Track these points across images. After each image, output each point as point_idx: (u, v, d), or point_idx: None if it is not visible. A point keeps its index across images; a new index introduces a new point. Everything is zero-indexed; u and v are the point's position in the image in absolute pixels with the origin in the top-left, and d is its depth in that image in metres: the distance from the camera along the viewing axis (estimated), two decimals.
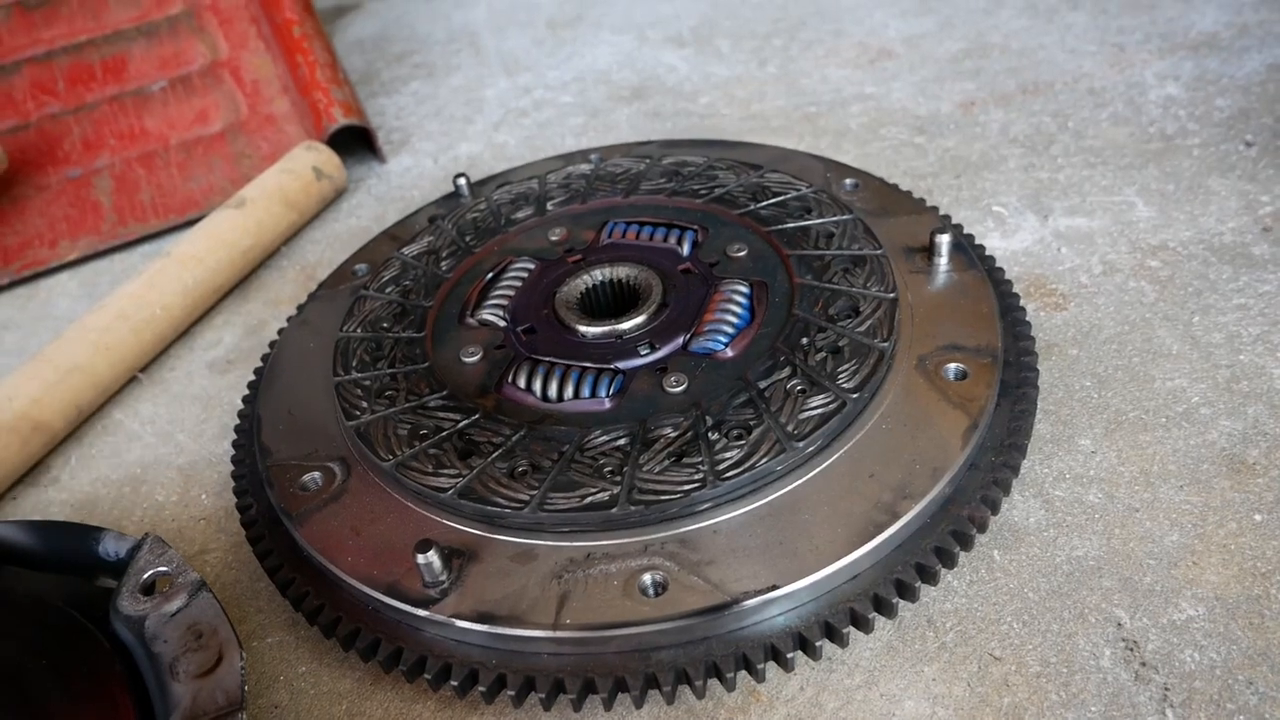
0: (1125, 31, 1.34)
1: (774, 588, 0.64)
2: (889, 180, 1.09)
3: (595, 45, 1.56)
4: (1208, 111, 1.15)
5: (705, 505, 0.69)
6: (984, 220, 1.05)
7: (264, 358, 0.96)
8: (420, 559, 0.67)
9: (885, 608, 0.66)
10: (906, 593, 0.67)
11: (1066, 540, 0.73)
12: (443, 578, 0.68)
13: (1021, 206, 1.06)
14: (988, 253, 0.94)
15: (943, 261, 0.88)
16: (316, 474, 0.79)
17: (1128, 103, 1.19)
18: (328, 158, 1.24)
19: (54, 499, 0.92)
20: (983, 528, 0.70)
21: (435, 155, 1.35)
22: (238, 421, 0.90)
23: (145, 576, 0.70)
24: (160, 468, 0.93)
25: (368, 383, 0.83)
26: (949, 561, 0.68)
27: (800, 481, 0.71)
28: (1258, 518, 0.73)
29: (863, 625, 0.66)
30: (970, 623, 0.70)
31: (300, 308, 1.01)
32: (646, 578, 0.66)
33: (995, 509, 0.71)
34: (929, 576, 0.67)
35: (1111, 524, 0.74)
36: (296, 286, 1.14)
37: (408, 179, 1.31)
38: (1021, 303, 0.87)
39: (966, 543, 0.69)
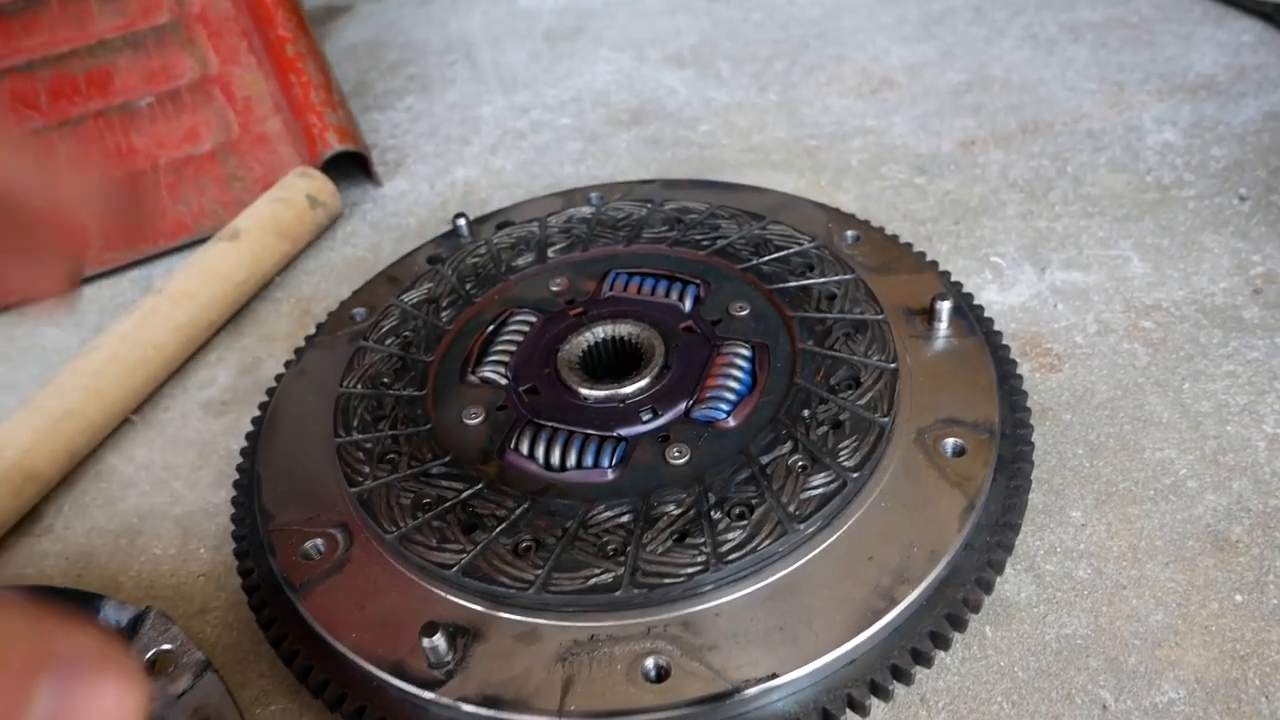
0: (1125, 69, 1.34)
1: (774, 676, 0.66)
2: (889, 227, 1.10)
3: (594, 62, 1.55)
4: (1204, 161, 1.16)
5: (708, 587, 0.70)
6: (982, 271, 1.06)
7: (261, 406, 0.95)
8: (426, 642, 0.68)
9: (881, 692, 0.67)
10: (902, 677, 0.68)
11: (1056, 617, 0.75)
12: (448, 658, 0.69)
13: (1019, 257, 1.07)
14: (984, 308, 0.95)
15: (942, 327, 0.89)
16: (319, 540, 0.79)
17: (1126, 147, 1.20)
18: (322, 185, 1.23)
19: (48, 550, 0.92)
20: (976, 609, 0.71)
21: (431, 180, 1.34)
22: (235, 473, 0.90)
23: (149, 655, 0.70)
24: (156, 518, 0.93)
25: (369, 445, 0.83)
26: (943, 644, 0.70)
27: (801, 563, 0.72)
28: (1238, 598, 0.74)
29: (859, 710, 0.67)
30: (962, 701, 0.72)
31: (298, 352, 1.01)
32: (649, 662, 0.68)
33: (989, 589, 0.73)
34: (924, 660, 0.69)
35: (1100, 601, 0.76)
36: (292, 321, 1.14)
37: (403, 205, 1.30)
38: (1018, 368, 0.88)
39: (961, 625, 0.70)
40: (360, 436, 0.85)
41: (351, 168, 1.35)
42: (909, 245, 1.01)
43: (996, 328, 0.93)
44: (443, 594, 0.74)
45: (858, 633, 0.68)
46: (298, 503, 0.83)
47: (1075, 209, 1.12)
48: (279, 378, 0.98)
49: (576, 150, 1.35)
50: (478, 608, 0.73)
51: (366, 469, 0.81)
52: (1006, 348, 0.90)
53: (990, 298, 1.02)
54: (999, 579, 0.76)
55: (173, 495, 0.96)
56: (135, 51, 1.41)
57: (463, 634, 0.71)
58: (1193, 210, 1.09)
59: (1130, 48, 1.39)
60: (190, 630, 0.84)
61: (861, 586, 0.70)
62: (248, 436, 0.93)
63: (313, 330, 1.04)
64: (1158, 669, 0.71)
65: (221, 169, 1.33)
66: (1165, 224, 1.08)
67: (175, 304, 1.08)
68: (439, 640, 0.68)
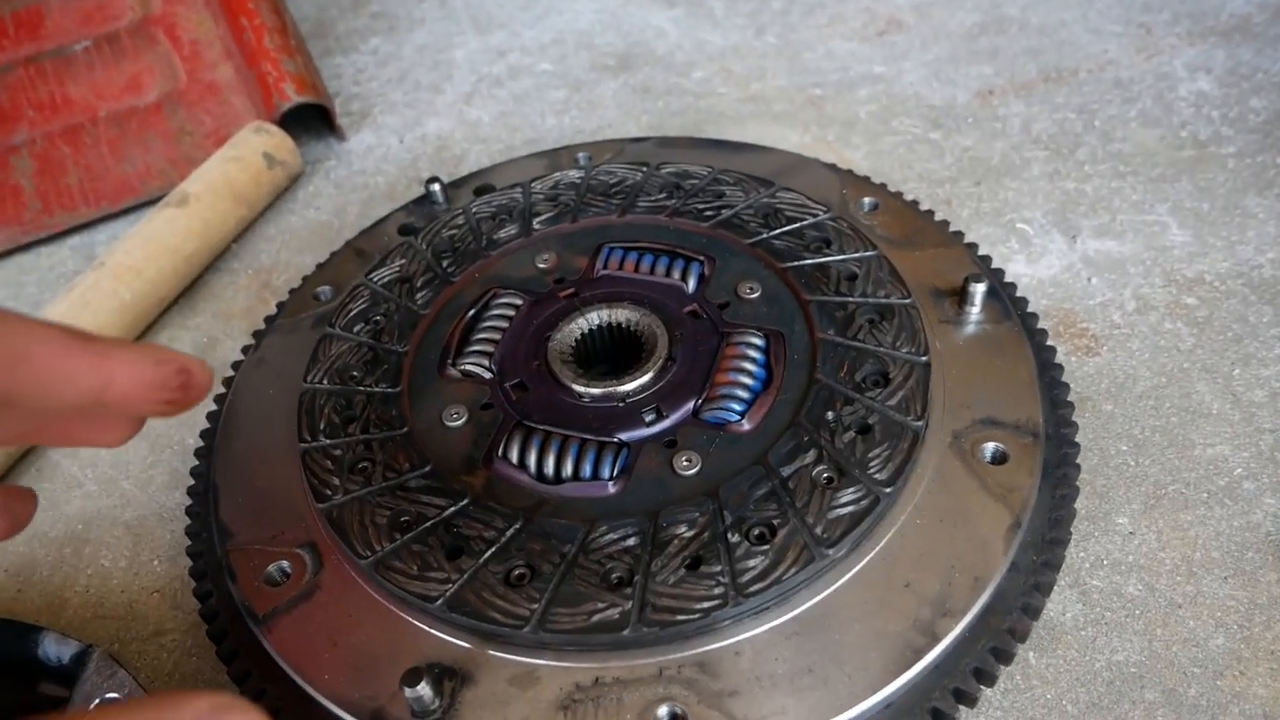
0: (1152, 8, 1.24)
1: None
2: (904, 189, 1.00)
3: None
4: (1242, 114, 1.07)
5: (726, 622, 0.62)
6: (1007, 239, 0.97)
7: (218, 398, 0.86)
8: (409, 692, 0.60)
9: None
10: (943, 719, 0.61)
11: (1106, 641, 0.68)
12: (434, 706, 0.61)
13: (1047, 224, 0.98)
14: (1013, 281, 0.86)
15: (975, 311, 0.80)
16: (284, 562, 0.71)
17: (1157, 98, 1.10)
18: (280, 141, 1.12)
19: None
20: (1024, 639, 0.64)
21: (400, 133, 1.22)
22: (190, 474, 0.81)
23: (93, 704, 0.62)
24: (105, 524, 0.84)
25: (338, 452, 0.74)
26: (989, 681, 0.62)
27: (830, 591, 0.64)
28: None
29: None
30: None
31: (257, 336, 0.90)
32: (663, 710, 0.60)
33: (1037, 616, 0.65)
34: (967, 700, 0.62)
35: (1153, 622, 0.69)
36: (250, 295, 1.03)
37: (370, 161, 1.19)
38: (1056, 356, 0.80)
39: (1007, 659, 0.63)
40: (328, 442, 0.75)
41: (313, 119, 1.23)
42: (931, 213, 0.92)
43: (1030, 308, 0.84)
44: (426, 628, 0.66)
45: (897, 675, 0.60)
46: (259, 518, 0.74)
47: (1105, 168, 1.03)
48: (236, 365, 0.89)
49: (559, 100, 1.24)
50: (466, 645, 0.64)
51: (336, 481, 0.72)
52: (1043, 332, 0.81)
53: (1018, 270, 0.94)
54: None
55: (122, 497, 0.87)
56: None
57: (450, 676, 0.63)
58: (1233, 170, 1.01)
59: None
60: (145, 656, 0.76)
61: (899, 619, 0.63)
62: (203, 434, 0.84)
63: (273, 308, 0.94)
64: (1221, 702, 0.64)
65: (168, 122, 1.20)
66: (1204, 185, 0.99)
67: (119, 280, 0.97)
68: (424, 689, 0.60)
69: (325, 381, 0.80)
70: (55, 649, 0.68)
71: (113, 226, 1.16)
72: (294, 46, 1.21)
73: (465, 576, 0.65)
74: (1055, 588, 0.71)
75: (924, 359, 0.74)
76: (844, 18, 1.30)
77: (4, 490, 0.58)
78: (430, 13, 1.45)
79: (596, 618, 0.62)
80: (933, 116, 1.13)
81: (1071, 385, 0.83)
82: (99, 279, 0.96)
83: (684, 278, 0.84)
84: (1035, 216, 0.99)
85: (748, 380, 0.75)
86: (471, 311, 0.84)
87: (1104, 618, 0.69)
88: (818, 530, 0.64)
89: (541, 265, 0.88)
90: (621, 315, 0.81)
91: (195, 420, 0.88)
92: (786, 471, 0.68)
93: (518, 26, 1.38)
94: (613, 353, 0.83)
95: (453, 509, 0.69)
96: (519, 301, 0.84)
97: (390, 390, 0.78)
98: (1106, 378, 0.84)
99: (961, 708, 0.62)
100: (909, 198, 0.94)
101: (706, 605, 0.62)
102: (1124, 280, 0.92)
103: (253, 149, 1.10)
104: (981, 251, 0.92)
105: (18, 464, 0.90)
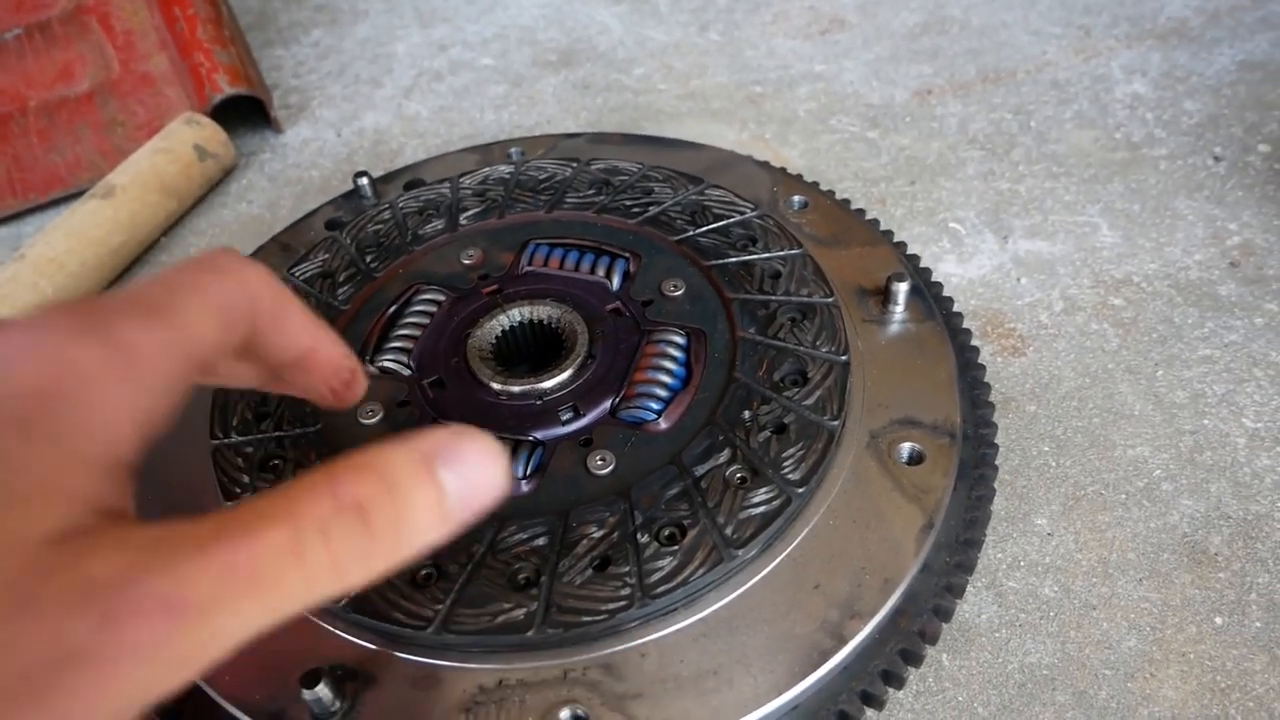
0: (1092, 10, 1.24)
1: None
2: (840, 187, 1.00)
3: None
4: (1175, 116, 1.07)
5: (633, 624, 0.62)
6: (940, 239, 0.97)
7: None
8: (307, 694, 0.58)
9: None
10: None
11: (1019, 643, 0.68)
12: (334, 708, 0.60)
13: (980, 223, 0.98)
14: (943, 284, 0.86)
15: (899, 310, 0.80)
16: None
17: (1093, 100, 1.11)
18: (211, 133, 1.10)
19: None
20: (934, 641, 0.64)
21: (338, 126, 1.21)
22: None
23: None
24: None
25: (250, 449, 0.73)
26: (897, 683, 0.62)
27: (738, 593, 0.64)
28: (1218, 620, 0.68)
29: None
30: None
31: None
32: (565, 713, 0.59)
33: (948, 618, 0.65)
34: (875, 703, 0.61)
35: (1067, 624, 0.69)
36: None
37: (306, 155, 1.17)
38: (979, 356, 0.80)
39: (916, 660, 0.63)
40: (240, 439, 0.74)
41: (250, 111, 1.21)
42: (861, 212, 0.91)
43: (956, 307, 0.84)
44: (330, 628, 0.64)
45: (802, 677, 0.60)
46: (167, 514, 0.72)
47: (1040, 169, 1.03)
48: None
49: (499, 95, 1.22)
50: (370, 646, 0.63)
51: (245, 479, 0.71)
52: (968, 332, 0.81)
53: (949, 270, 0.94)
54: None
55: None
56: None
57: (352, 678, 0.62)
58: (1165, 172, 1.01)
59: None
60: None
61: (807, 621, 0.62)
62: None
63: None
64: (1131, 704, 0.64)
65: (100, 113, 1.18)
66: (1136, 187, 1.00)
67: (39, 273, 0.95)
68: (322, 690, 0.59)
69: None
70: None
71: (40, 218, 1.13)
72: (228, 37, 1.19)
73: None
74: (971, 589, 0.71)
75: (843, 358, 0.73)
76: (788, 15, 1.30)
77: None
78: (374, 5, 1.43)
79: (501, 619, 0.61)
80: (871, 115, 1.12)
81: (996, 385, 0.83)
82: (19, 271, 0.94)
83: (609, 275, 0.83)
84: (968, 216, 0.99)
85: (666, 379, 0.74)
86: (392, 308, 0.83)
87: (1019, 619, 0.69)
88: (728, 531, 0.64)
89: (466, 261, 0.86)
90: (543, 312, 0.80)
91: None
92: (700, 471, 0.67)
93: (461, 20, 1.37)
94: (534, 351, 0.82)
95: None
96: (441, 298, 0.83)
97: None
98: (1031, 378, 0.84)
99: (869, 710, 0.62)
100: (843, 196, 0.94)
101: (612, 607, 0.61)
102: (1053, 281, 0.92)
103: (183, 141, 1.08)
104: (913, 251, 0.92)
105: None
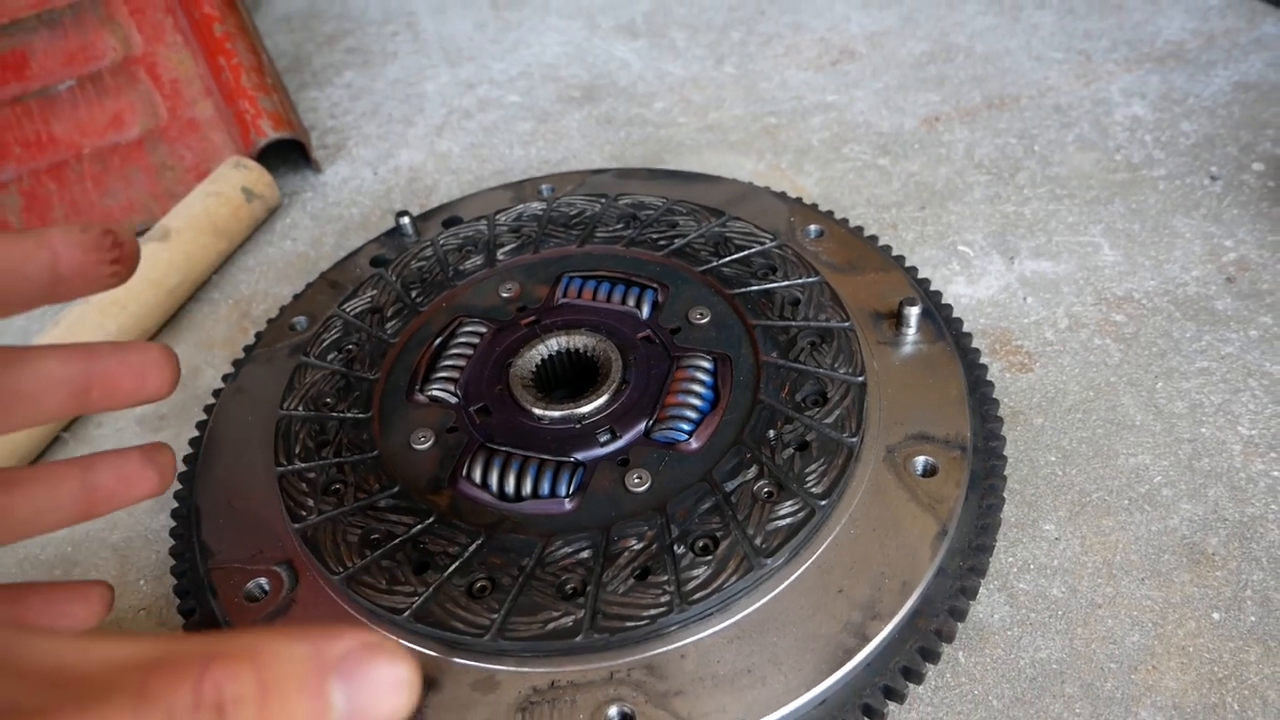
0: (1092, 36, 1.30)
1: None
2: (853, 214, 1.06)
3: (542, 32, 1.47)
4: (1173, 137, 1.12)
5: (672, 628, 0.67)
6: (949, 261, 1.02)
7: (200, 425, 0.90)
8: None
9: None
10: (874, 715, 0.66)
11: (1030, 640, 0.73)
12: None
13: (987, 245, 1.03)
14: (952, 306, 0.92)
15: (911, 332, 0.85)
16: (263, 579, 0.75)
17: (1094, 123, 1.16)
18: (258, 176, 1.17)
19: None
20: (950, 639, 0.69)
21: (374, 165, 1.27)
22: (173, 497, 0.85)
23: None
24: (93, 546, 0.89)
25: (313, 475, 0.79)
26: (916, 679, 0.67)
27: (768, 598, 0.69)
28: (1215, 616, 0.73)
29: None
30: None
31: (236, 365, 0.95)
32: (613, 710, 0.65)
33: (963, 618, 0.70)
34: (896, 697, 0.67)
35: (1074, 622, 0.74)
36: (230, 325, 1.08)
37: (345, 193, 1.24)
38: (988, 372, 0.85)
39: (934, 657, 0.68)
40: (303, 465, 0.80)
41: (290, 151, 1.28)
42: (874, 239, 0.97)
43: (966, 327, 0.90)
44: (395, 639, 0.70)
45: (829, 674, 0.65)
46: (239, 538, 0.79)
47: (1044, 191, 1.09)
48: (217, 394, 0.93)
49: (526, 131, 1.29)
50: (432, 654, 0.69)
51: (310, 502, 0.77)
52: (977, 350, 0.87)
53: (958, 291, 0.99)
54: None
55: (109, 521, 0.91)
56: (52, 31, 1.31)
57: None
58: (1163, 192, 1.06)
59: (1097, 13, 1.34)
60: None
61: (832, 622, 0.67)
62: (186, 459, 0.88)
63: (252, 337, 0.99)
64: (1135, 695, 0.69)
65: (150, 158, 1.25)
66: (1135, 207, 1.05)
67: (104, 314, 1.02)
68: None
69: (300, 408, 0.85)
70: None
71: None
72: (270, 84, 1.26)
73: (430, 590, 0.69)
74: (984, 591, 0.76)
75: (860, 379, 0.79)
76: (799, 48, 1.36)
77: (142, 450, 0.62)
78: (403, 47, 1.50)
79: (551, 625, 0.67)
80: (881, 143, 1.18)
81: (1005, 400, 0.88)
82: (85, 312, 1.01)
83: (639, 305, 0.89)
84: (976, 239, 1.04)
85: (696, 401, 0.80)
86: (438, 340, 0.89)
87: (1029, 618, 0.74)
88: (757, 541, 0.69)
89: (505, 294, 0.93)
90: (579, 341, 0.86)
91: (179, 445, 0.92)
92: (730, 487, 0.73)
93: (487, 59, 1.44)
94: (571, 377, 0.88)
95: (419, 527, 0.73)
96: (483, 329, 0.89)
97: (361, 416, 0.83)
98: (1038, 392, 0.89)
99: (891, 704, 0.67)
100: (857, 223, 1.00)
101: (654, 612, 0.66)
102: (1058, 299, 0.97)
103: (231, 184, 1.14)
104: (924, 274, 0.97)
105: None
